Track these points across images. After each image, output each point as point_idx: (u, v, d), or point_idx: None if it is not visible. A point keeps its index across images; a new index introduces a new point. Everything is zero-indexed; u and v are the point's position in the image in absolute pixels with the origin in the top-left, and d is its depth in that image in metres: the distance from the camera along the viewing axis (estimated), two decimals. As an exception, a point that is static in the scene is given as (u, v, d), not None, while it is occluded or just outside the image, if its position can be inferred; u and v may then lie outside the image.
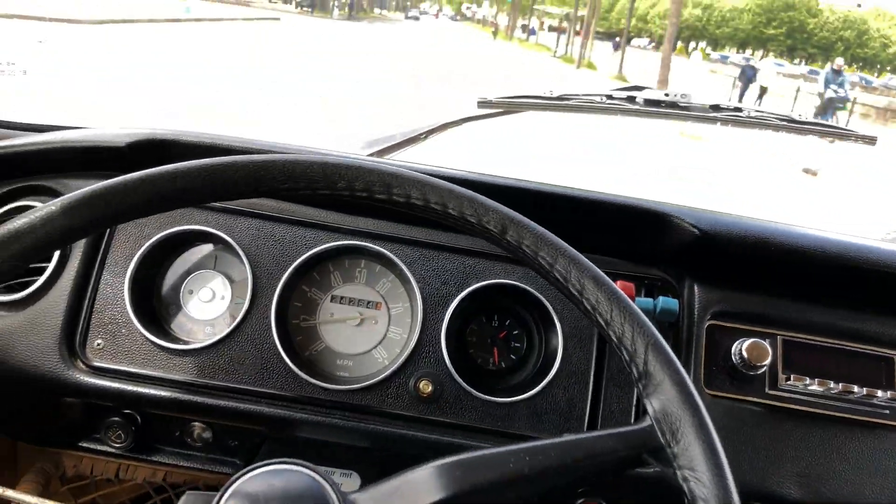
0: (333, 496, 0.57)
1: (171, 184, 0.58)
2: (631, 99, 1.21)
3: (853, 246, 0.93)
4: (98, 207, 0.57)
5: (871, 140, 1.16)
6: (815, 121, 1.17)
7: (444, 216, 0.61)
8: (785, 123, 1.18)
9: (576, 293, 0.60)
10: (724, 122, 1.18)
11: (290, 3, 52.03)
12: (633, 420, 0.92)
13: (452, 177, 0.88)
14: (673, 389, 0.56)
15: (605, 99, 1.21)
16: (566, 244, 0.61)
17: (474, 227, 0.61)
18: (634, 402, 0.92)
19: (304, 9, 48.40)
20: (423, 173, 0.62)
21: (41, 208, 0.57)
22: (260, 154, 0.60)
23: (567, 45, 35.10)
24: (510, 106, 1.21)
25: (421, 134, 1.33)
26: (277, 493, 0.57)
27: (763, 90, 18.49)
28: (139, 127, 0.97)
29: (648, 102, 1.19)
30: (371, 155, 1.30)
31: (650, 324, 0.58)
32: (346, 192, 0.61)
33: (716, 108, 1.19)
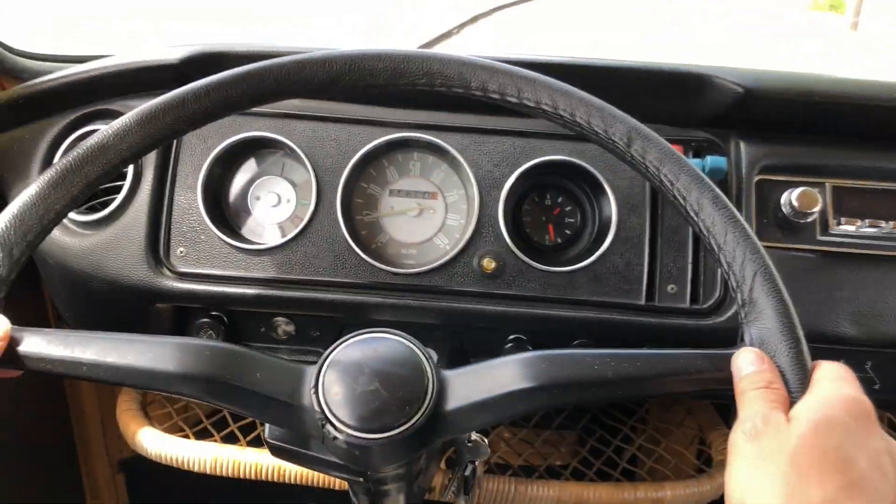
0: (428, 367, 0.62)
1: (321, 68, 0.63)
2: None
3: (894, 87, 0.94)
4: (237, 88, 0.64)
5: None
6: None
7: (573, 124, 0.63)
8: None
9: (692, 213, 0.61)
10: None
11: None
12: (689, 278, 0.96)
13: (509, 59, 0.89)
14: (775, 320, 0.57)
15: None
16: (688, 161, 0.62)
17: (600, 137, 0.63)
18: (690, 260, 0.96)
19: None
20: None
21: (119, 121, 0.62)
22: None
23: None
24: (542, -11, 1.21)
25: (454, 28, 1.34)
26: (377, 360, 0.61)
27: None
28: (185, 42, 1.01)
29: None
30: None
31: (763, 252, 0.59)
32: (480, 93, 0.64)
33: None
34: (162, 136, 0.64)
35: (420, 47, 1.25)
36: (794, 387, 0.55)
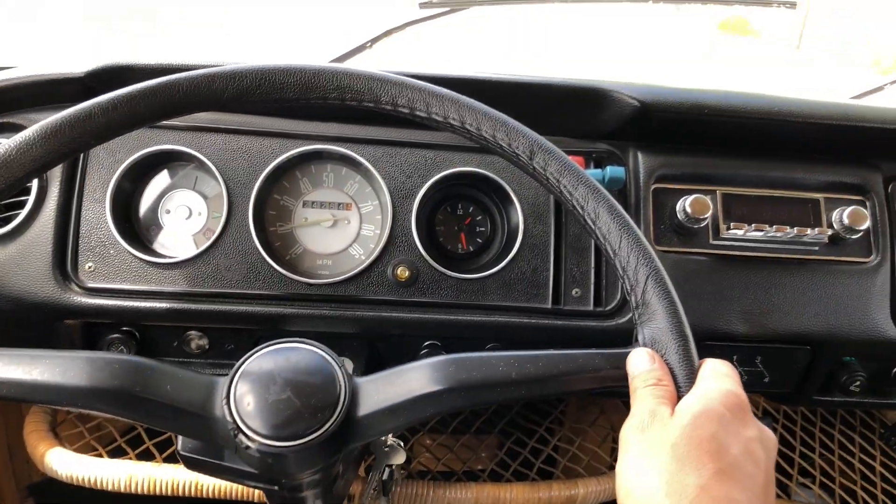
0: (340, 374, 0.63)
1: (231, 81, 0.64)
2: (566, -13, 1.25)
3: (777, 101, 1.02)
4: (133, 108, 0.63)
5: (791, 4, 1.23)
6: (740, -9, 1.24)
7: (479, 138, 0.66)
8: (712, -3, 1.24)
9: (590, 222, 0.65)
10: None
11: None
12: (592, 282, 1.01)
13: (418, 75, 0.92)
14: (665, 320, 0.61)
15: (541, -11, 1.25)
16: (587, 174, 0.66)
17: (504, 150, 0.66)
18: (593, 265, 1.01)
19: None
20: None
21: (22, 134, 0.62)
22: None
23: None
24: (453, 3, 1.25)
25: (367, 42, 1.36)
26: (289, 369, 0.62)
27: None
28: (94, 57, 0.99)
29: (583, -11, 1.24)
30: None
31: (655, 257, 0.63)
32: (390, 107, 0.66)
33: (647, -12, 1.25)
34: (67, 150, 0.63)
35: (332, 61, 1.27)
36: (682, 382, 0.60)
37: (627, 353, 0.63)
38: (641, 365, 0.61)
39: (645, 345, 0.63)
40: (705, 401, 0.56)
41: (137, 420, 0.65)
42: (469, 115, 0.67)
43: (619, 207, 0.65)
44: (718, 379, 0.59)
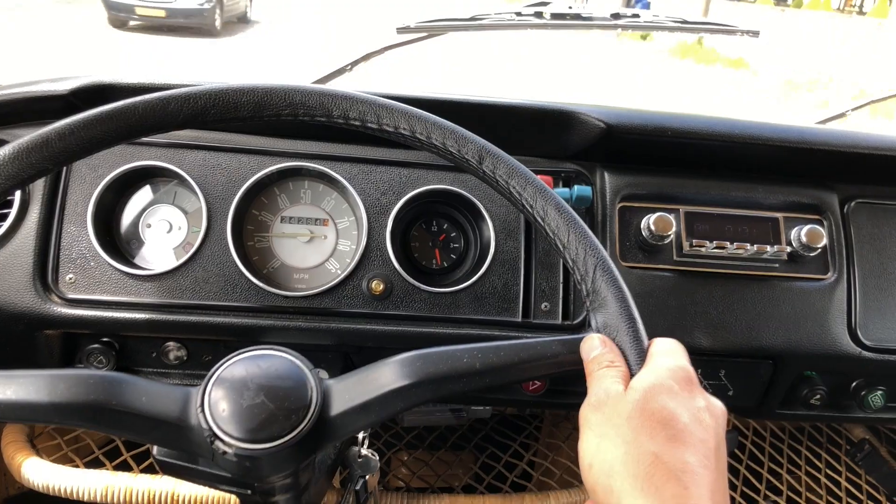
0: (311, 379, 0.65)
1: (185, 104, 0.65)
2: (539, 14, 1.30)
3: (738, 125, 1.06)
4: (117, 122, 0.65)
5: (754, 33, 1.28)
6: (705, 20, 1.29)
7: (429, 146, 0.69)
8: (678, 25, 1.29)
9: (539, 219, 0.68)
10: (625, 27, 1.29)
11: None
12: (561, 296, 1.04)
13: (392, 95, 0.95)
14: (615, 305, 0.64)
15: (515, 16, 1.30)
16: (534, 175, 0.69)
17: (454, 157, 0.69)
18: (561, 280, 1.04)
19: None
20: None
21: (11, 144, 0.64)
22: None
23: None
24: (429, 29, 1.29)
25: (347, 65, 1.40)
26: (261, 375, 0.64)
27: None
28: (79, 74, 1.02)
29: (554, 16, 1.29)
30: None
31: (601, 247, 0.67)
32: (342, 121, 0.68)
33: (616, 16, 1.30)
34: (27, 176, 0.64)
35: (314, 83, 1.31)
36: (634, 362, 0.63)
37: (582, 339, 0.66)
38: (594, 349, 0.65)
39: (598, 330, 0.66)
40: (655, 376, 0.60)
41: (114, 433, 0.66)
42: (419, 124, 0.69)
43: (566, 205, 0.69)
44: (667, 355, 0.63)
